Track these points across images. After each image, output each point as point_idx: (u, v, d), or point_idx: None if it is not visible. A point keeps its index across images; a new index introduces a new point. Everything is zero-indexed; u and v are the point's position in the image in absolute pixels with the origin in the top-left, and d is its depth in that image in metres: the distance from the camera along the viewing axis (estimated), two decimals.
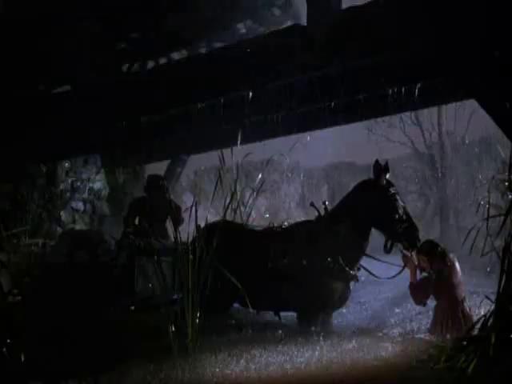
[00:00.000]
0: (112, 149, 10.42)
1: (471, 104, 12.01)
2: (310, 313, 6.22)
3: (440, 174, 11.84)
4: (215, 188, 6.79)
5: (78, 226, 10.37)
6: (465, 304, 5.82)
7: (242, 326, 6.27)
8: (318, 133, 13.86)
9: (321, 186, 15.63)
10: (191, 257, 5.51)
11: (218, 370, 4.87)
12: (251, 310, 5.73)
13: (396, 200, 6.11)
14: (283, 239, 6.39)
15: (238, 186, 9.02)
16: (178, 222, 7.59)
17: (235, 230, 6.68)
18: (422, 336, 5.86)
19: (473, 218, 10.17)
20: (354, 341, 5.58)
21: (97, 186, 10.85)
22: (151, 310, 6.29)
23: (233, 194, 8.82)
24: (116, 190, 10.95)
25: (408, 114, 12.54)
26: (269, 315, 6.73)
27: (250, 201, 9.19)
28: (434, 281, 5.82)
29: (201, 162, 13.55)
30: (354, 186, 6.40)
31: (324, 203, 6.47)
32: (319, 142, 13.82)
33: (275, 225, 6.72)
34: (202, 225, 6.23)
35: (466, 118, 12.63)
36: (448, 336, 5.56)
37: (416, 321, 6.53)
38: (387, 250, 6.17)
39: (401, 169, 12.03)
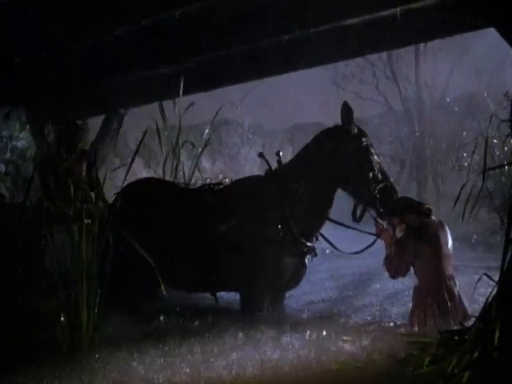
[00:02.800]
0: (38, 101, 8.88)
1: (451, 58, 10.78)
2: (254, 295, 4.84)
3: (417, 134, 10.51)
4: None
5: None
6: (452, 283, 4.46)
7: (167, 312, 4.88)
8: (282, 91, 12.54)
9: (285, 149, 14.17)
10: (88, 221, 4.08)
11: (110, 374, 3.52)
12: (164, 290, 4.31)
13: (370, 153, 4.75)
14: (221, 200, 4.98)
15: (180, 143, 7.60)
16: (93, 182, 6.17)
17: (161, 190, 5.22)
18: (399, 325, 4.51)
19: (454, 182, 8.98)
20: (307, 332, 4.26)
21: (21, 144, 9.31)
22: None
23: (174, 151, 7.55)
24: (44, 149, 9.39)
25: (382, 68, 11.18)
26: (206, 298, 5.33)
27: (195, 160, 7.71)
28: (414, 243, 4.43)
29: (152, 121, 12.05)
30: (317, 135, 4.99)
31: (278, 154, 5.05)
32: (283, 100, 12.46)
33: (213, 182, 5.32)
34: None
35: (445, 74, 11.32)
36: (431, 326, 4.24)
37: (391, 304, 5.17)
38: (356, 218, 4.81)
39: (372, 128, 10.60)
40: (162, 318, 4.78)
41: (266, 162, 5.01)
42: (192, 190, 5.29)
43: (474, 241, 7.59)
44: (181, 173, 7.52)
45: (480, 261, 6.71)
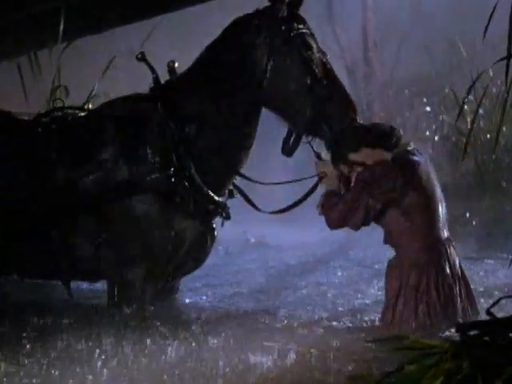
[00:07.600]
0: None
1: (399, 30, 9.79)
2: (127, 282, 2.99)
3: (365, 106, 9.03)
4: None
5: None
6: (453, 251, 2.72)
7: None
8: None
9: None
10: None
11: None
12: None
13: (306, 47, 2.98)
14: (79, 132, 3.13)
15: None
16: None
17: None
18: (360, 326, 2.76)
19: None
20: (204, 341, 2.44)
21: None
22: None
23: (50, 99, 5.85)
24: None
25: (321, 37, 9.73)
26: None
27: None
28: (397, 178, 2.65)
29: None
30: (228, 24, 3.17)
31: (171, 63, 3.21)
32: None
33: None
34: None
35: (393, 52, 10.00)
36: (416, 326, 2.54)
37: (347, 296, 3.42)
38: (286, 150, 3.03)
39: None
40: None
41: (151, 68, 3.17)
42: (34, 121, 3.37)
43: None
44: None
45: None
